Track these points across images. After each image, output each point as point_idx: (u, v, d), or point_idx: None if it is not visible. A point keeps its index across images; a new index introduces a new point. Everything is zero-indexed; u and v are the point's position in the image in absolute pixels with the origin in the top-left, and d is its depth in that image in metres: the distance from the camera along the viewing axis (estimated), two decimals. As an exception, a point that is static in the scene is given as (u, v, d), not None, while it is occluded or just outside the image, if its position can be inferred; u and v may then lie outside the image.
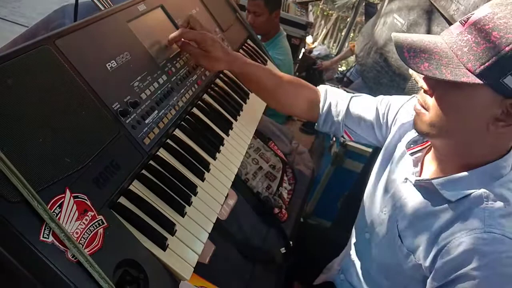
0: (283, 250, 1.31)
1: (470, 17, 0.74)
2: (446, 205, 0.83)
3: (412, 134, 0.99)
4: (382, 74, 2.57)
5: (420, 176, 0.93)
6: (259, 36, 2.67)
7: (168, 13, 1.11)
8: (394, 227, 0.94)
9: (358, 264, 1.12)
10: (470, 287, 0.73)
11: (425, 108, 0.82)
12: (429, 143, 0.94)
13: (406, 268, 0.89)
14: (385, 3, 2.77)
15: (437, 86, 0.78)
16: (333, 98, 1.19)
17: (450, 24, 2.14)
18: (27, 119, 0.63)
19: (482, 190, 0.79)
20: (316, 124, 1.24)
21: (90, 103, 0.75)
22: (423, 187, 0.89)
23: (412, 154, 0.95)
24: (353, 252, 1.16)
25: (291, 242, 1.46)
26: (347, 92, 1.24)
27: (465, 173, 0.81)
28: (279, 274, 1.26)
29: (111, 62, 0.84)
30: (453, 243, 0.77)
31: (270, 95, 1.17)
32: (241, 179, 1.40)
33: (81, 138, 0.70)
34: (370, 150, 2.01)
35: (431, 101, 0.80)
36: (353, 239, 1.19)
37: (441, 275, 0.78)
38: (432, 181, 0.85)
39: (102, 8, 1.05)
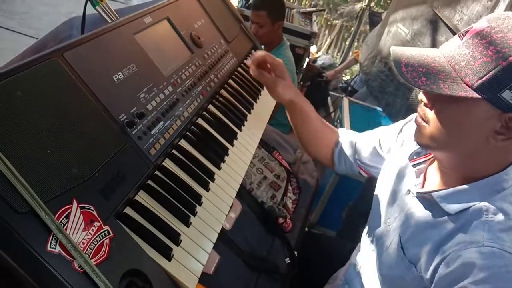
0: (287, 260, 1.31)
1: (468, 30, 0.74)
2: (446, 217, 0.82)
3: (415, 146, 0.99)
4: (387, 83, 2.58)
5: (422, 187, 0.93)
6: (262, 46, 2.70)
7: (174, 25, 1.13)
8: (397, 238, 0.94)
9: (362, 275, 1.12)
10: None
11: (425, 121, 0.82)
12: (432, 155, 0.94)
13: (409, 280, 0.89)
14: (390, 13, 2.79)
15: (436, 100, 0.78)
16: (344, 139, 1.26)
17: (454, 34, 2.15)
18: (35, 131, 0.64)
19: (482, 203, 0.78)
20: (333, 167, 1.32)
21: (97, 115, 0.76)
22: (425, 198, 0.89)
23: (414, 165, 0.95)
24: (358, 263, 1.15)
25: (295, 252, 1.46)
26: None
27: (465, 186, 0.81)
28: (283, 285, 1.26)
29: (118, 74, 0.85)
30: (452, 256, 0.76)
31: (309, 137, 1.29)
32: (245, 188, 1.41)
33: (88, 149, 0.71)
34: (374, 159, 2.01)
35: (430, 114, 0.80)
36: (359, 250, 1.19)
37: (441, 286, 0.78)
38: (433, 194, 0.85)
39: (109, 21, 1.06)
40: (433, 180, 0.92)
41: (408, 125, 1.09)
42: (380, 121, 2.65)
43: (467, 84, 0.71)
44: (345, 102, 2.71)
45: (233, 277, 1.11)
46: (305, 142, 1.31)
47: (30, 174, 0.60)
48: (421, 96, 0.82)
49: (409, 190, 0.94)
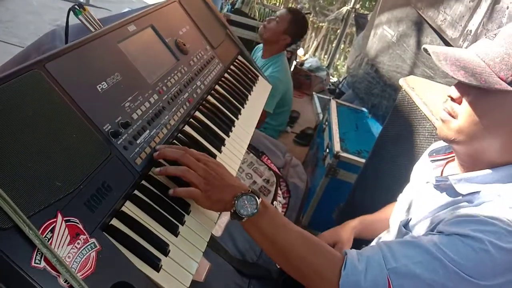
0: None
1: (497, 33, 0.81)
2: (459, 197, 0.87)
3: (436, 145, 1.06)
4: (373, 85, 2.60)
5: None
6: (260, 52, 2.72)
7: (159, 33, 1.12)
8: (404, 222, 0.98)
9: None
10: (458, 240, 0.74)
11: (452, 116, 0.86)
12: (452, 154, 0.99)
13: None
14: (376, 15, 2.81)
15: (468, 94, 0.82)
16: None
17: (438, 34, 2.18)
18: (17, 144, 0.63)
19: (495, 187, 0.82)
20: None
21: (81, 126, 0.75)
22: (441, 187, 0.93)
23: (433, 161, 1.02)
24: None
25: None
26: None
27: (481, 171, 0.85)
28: (276, 289, 1.26)
29: (102, 83, 0.84)
30: (456, 212, 0.81)
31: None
32: (235, 194, 1.41)
33: (72, 161, 0.70)
34: (363, 160, 2.02)
35: (460, 108, 0.84)
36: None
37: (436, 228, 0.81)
38: (449, 176, 0.90)
39: (93, 30, 1.05)
40: (451, 173, 0.96)
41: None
42: (367, 122, 2.67)
43: (501, 78, 0.76)
44: (333, 104, 2.72)
45: (225, 284, 1.11)
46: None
47: (12, 188, 0.59)
48: (450, 92, 0.86)
49: (427, 182, 0.99)
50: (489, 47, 0.80)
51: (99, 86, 0.84)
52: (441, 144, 1.05)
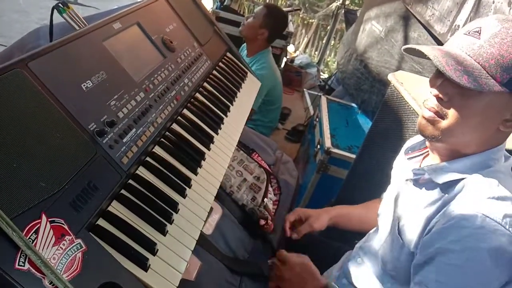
0: (270, 261, 1.30)
1: (479, 30, 0.81)
2: (438, 190, 0.90)
3: (410, 142, 1.08)
4: (362, 81, 2.60)
5: None
6: (245, 52, 2.71)
7: (145, 30, 1.11)
8: (395, 227, 0.99)
9: (362, 265, 1.15)
10: (444, 260, 0.79)
11: (439, 116, 0.86)
12: (427, 149, 1.01)
13: (403, 260, 0.94)
14: (365, 11, 2.82)
15: (458, 95, 0.82)
16: None
17: (427, 29, 2.19)
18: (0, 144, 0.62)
19: (469, 176, 0.86)
20: None
21: (65, 125, 0.74)
22: (421, 183, 0.96)
23: (409, 159, 1.04)
24: (360, 255, 1.18)
25: (278, 254, 1.46)
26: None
27: (456, 160, 0.89)
28: (267, 286, 1.26)
29: (87, 82, 0.83)
30: (439, 222, 0.84)
31: (365, 226, 1.31)
32: (225, 192, 1.40)
33: (57, 161, 0.69)
34: (353, 156, 2.03)
35: (449, 108, 0.84)
36: (364, 243, 1.22)
37: (422, 249, 0.85)
38: (424, 167, 0.93)
39: (77, 28, 1.04)
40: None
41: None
42: (357, 117, 2.67)
43: (496, 80, 0.78)
44: (323, 100, 2.72)
45: (216, 282, 1.10)
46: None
47: (-5, 190, 0.58)
48: (437, 92, 0.85)
49: (407, 179, 1.02)
50: (480, 47, 0.80)
51: (84, 85, 0.83)
52: (415, 140, 1.07)
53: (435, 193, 0.91)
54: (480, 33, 0.81)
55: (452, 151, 0.90)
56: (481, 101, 0.81)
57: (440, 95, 0.85)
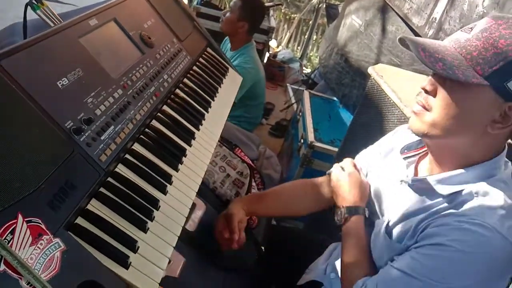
0: (255, 256, 1.31)
1: (473, 27, 0.81)
2: (440, 199, 0.88)
3: (406, 141, 1.05)
4: (343, 75, 2.62)
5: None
6: (228, 45, 2.69)
7: (122, 26, 1.10)
8: (383, 226, 0.98)
9: None
10: (439, 251, 0.79)
11: (426, 109, 0.85)
12: (424, 149, 0.98)
13: (387, 257, 0.93)
14: (346, 5, 2.83)
15: (442, 87, 0.82)
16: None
17: (405, 22, 2.21)
18: (-28, 145, 0.61)
19: (473, 187, 0.83)
20: None
21: (40, 123, 0.72)
22: (418, 186, 0.93)
23: (405, 158, 1.01)
24: None
25: (262, 248, 1.46)
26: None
27: (460, 170, 0.86)
28: (252, 281, 1.26)
29: (62, 79, 0.82)
30: (438, 221, 0.83)
31: (287, 208, 1.31)
32: (209, 188, 1.40)
33: (33, 160, 0.67)
34: (336, 149, 2.04)
35: (434, 101, 0.84)
36: None
37: (418, 240, 0.85)
38: (427, 177, 0.90)
39: (52, 25, 1.02)
40: (425, 171, 0.96)
41: (388, 138, 1.17)
42: (338, 111, 2.69)
43: (477, 72, 0.77)
44: (306, 95, 2.73)
45: (200, 278, 1.10)
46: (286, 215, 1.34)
47: (-33, 191, 0.57)
48: (424, 84, 0.86)
49: (401, 181, 0.98)
50: (466, 40, 0.80)
51: (60, 83, 0.81)
52: (412, 139, 1.04)
53: (434, 200, 0.89)
54: (472, 29, 0.81)
55: (447, 154, 0.89)
56: (465, 93, 0.80)
57: (427, 87, 0.85)
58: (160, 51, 1.20)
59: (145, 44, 1.14)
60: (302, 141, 2.36)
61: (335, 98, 2.82)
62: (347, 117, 2.60)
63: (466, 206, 0.82)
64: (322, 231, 1.69)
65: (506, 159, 0.90)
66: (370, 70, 1.66)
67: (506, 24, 0.78)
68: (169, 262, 0.81)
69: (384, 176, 1.08)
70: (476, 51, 0.78)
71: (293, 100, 3.54)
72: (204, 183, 1.36)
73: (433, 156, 0.93)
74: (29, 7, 1.02)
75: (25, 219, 0.62)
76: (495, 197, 0.81)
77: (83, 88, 0.86)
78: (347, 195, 1.09)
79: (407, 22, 2.07)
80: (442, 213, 0.85)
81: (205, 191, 1.35)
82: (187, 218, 1.01)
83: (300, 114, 2.62)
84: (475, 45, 0.78)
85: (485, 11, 1.64)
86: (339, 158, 1.86)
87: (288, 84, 3.97)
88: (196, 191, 0.99)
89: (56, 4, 1.36)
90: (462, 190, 0.85)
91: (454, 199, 0.85)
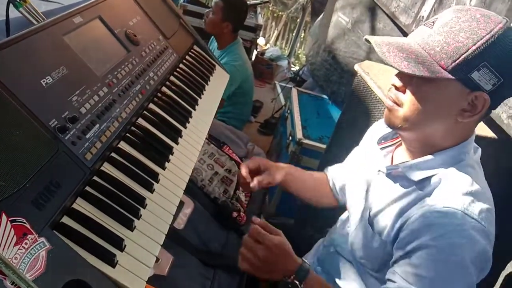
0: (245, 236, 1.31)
1: (434, 21, 0.83)
2: (413, 186, 0.91)
3: (383, 132, 1.08)
4: (331, 72, 2.63)
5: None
6: (215, 44, 2.68)
7: (107, 24, 1.09)
8: (366, 216, 1.01)
9: (337, 255, 1.16)
10: (426, 255, 0.80)
11: (397, 104, 0.89)
12: (399, 139, 1.02)
13: (374, 248, 0.96)
14: (332, 2, 2.83)
15: (410, 83, 0.86)
16: (333, 174, 1.34)
17: (392, 20, 2.23)
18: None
19: (443, 172, 0.87)
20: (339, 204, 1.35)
21: (24, 122, 0.72)
22: (393, 175, 0.97)
23: (382, 149, 1.04)
24: (334, 243, 1.19)
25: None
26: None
27: (429, 157, 0.90)
28: (242, 278, 1.26)
29: (47, 78, 0.81)
30: (414, 216, 0.85)
31: (308, 194, 1.34)
32: (197, 186, 1.39)
33: (16, 159, 0.67)
34: (324, 146, 2.05)
35: (404, 97, 0.87)
36: (334, 230, 1.23)
37: (402, 245, 0.86)
38: (399, 165, 0.94)
39: (35, 23, 1.01)
40: (400, 159, 0.99)
41: (367, 134, 1.20)
42: (328, 108, 2.71)
43: (442, 67, 0.80)
44: (294, 92, 2.74)
45: (189, 276, 1.10)
46: (309, 200, 1.35)
47: (-51, 191, 0.56)
48: (393, 81, 0.89)
49: (379, 171, 1.02)
50: (429, 35, 0.83)
51: (44, 81, 0.80)
52: (388, 130, 1.07)
53: (409, 187, 0.92)
54: (434, 23, 0.83)
55: (421, 143, 0.91)
56: (432, 88, 0.83)
57: (396, 84, 0.88)
58: (145, 48, 1.19)
59: (130, 42, 1.13)
60: (290, 138, 2.37)
61: (324, 95, 2.84)
62: (335, 114, 2.62)
63: (436, 193, 0.85)
64: (312, 227, 1.71)
65: (476, 145, 0.94)
66: (357, 67, 1.67)
67: (465, 16, 0.80)
68: (157, 260, 0.81)
69: (366, 168, 1.11)
70: (438, 46, 0.80)
71: (281, 98, 3.55)
72: (192, 181, 1.36)
73: (406, 145, 0.97)
74: (11, 5, 1.01)
75: (9, 219, 0.61)
76: (463, 181, 0.85)
77: (67, 86, 0.85)
78: (286, 265, 0.99)
79: (394, 20, 2.08)
80: (415, 206, 0.88)
81: (193, 189, 1.35)
82: (175, 216, 1.01)
83: (289, 111, 2.63)
84: (437, 40, 0.81)
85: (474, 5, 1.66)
86: (327, 154, 1.87)
87: (276, 82, 3.98)
88: (184, 189, 0.98)
89: (40, 2, 1.34)
90: (432, 176, 0.88)
91: (425, 185, 0.89)
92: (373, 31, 2.32)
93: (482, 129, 1.36)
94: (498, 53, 0.77)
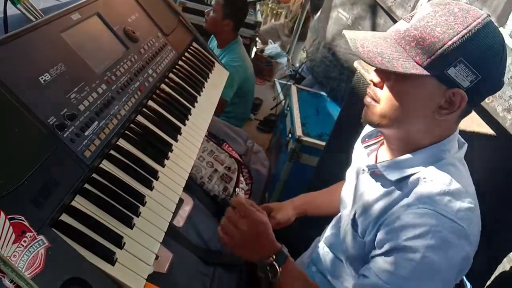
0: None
1: (413, 15, 0.81)
2: (392, 187, 0.89)
3: (367, 130, 1.07)
4: (331, 68, 2.62)
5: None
6: (215, 43, 2.67)
7: (105, 21, 1.08)
8: (352, 216, 0.99)
9: (330, 255, 1.15)
10: (401, 256, 0.79)
11: (375, 100, 0.87)
12: (382, 137, 1.00)
13: (356, 249, 0.95)
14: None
15: (387, 79, 0.84)
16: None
17: (388, 15, 2.22)
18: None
19: (422, 171, 0.85)
20: None
21: (22, 120, 0.71)
22: (375, 174, 0.95)
23: (366, 147, 1.02)
24: (326, 244, 1.19)
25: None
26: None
27: (407, 155, 0.87)
28: (241, 276, 1.26)
29: (45, 75, 0.81)
30: (391, 217, 0.83)
31: (331, 211, 1.30)
32: (196, 183, 1.39)
33: (14, 156, 0.67)
34: (323, 143, 2.05)
35: (381, 93, 0.85)
36: (329, 229, 1.22)
37: (379, 245, 0.85)
38: (378, 164, 0.92)
39: (33, 19, 1.00)
40: (383, 158, 0.98)
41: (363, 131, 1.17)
42: (326, 105, 2.70)
43: (417, 63, 0.77)
44: (293, 89, 2.73)
45: (189, 274, 1.10)
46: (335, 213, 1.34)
47: None
48: (371, 77, 0.87)
49: (363, 170, 1.00)
50: (405, 30, 0.80)
51: (42, 78, 0.80)
52: (372, 127, 1.06)
53: (388, 187, 0.90)
54: (412, 17, 0.81)
55: (401, 140, 0.89)
56: (408, 84, 0.81)
57: (373, 80, 0.86)
58: (144, 45, 1.19)
59: (129, 39, 1.13)
60: (290, 135, 2.36)
61: (322, 93, 2.83)
62: (335, 111, 2.61)
63: (414, 193, 0.83)
64: (311, 226, 1.70)
65: (462, 140, 0.92)
66: (356, 64, 1.67)
67: (443, 11, 0.78)
68: (157, 258, 0.81)
69: (354, 166, 1.10)
70: (414, 41, 0.78)
71: (281, 96, 3.54)
72: (191, 178, 1.36)
73: (387, 143, 0.96)
74: (9, 2, 1.00)
75: (8, 217, 0.61)
76: (441, 181, 0.82)
77: (66, 83, 0.85)
78: (266, 246, 0.97)
79: (391, 14, 2.07)
80: (395, 207, 0.85)
81: (193, 186, 1.35)
82: (175, 214, 1.00)
83: (288, 109, 2.63)
84: (413, 35, 0.78)
85: (468, 2, 1.66)
86: (326, 151, 1.87)
87: (275, 79, 3.97)
88: (183, 186, 0.98)
89: (38, -1, 1.33)
90: (410, 175, 0.86)
91: (404, 185, 0.87)
92: (373, 27, 2.31)
93: (479, 125, 1.35)
94: (475, 49, 0.75)
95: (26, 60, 0.79)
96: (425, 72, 0.77)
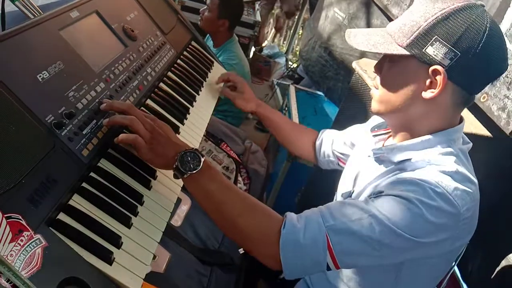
0: (241, 250, 1.31)
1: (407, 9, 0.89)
2: (394, 166, 0.93)
3: (377, 121, 1.11)
4: (327, 68, 2.62)
5: None
6: (211, 42, 2.66)
7: (104, 19, 1.08)
8: (348, 195, 1.03)
9: None
10: (392, 198, 0.81)
11: (376, 88, 0.95)
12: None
13: None
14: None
15: (382, 66, 0.93)
16: (326, 135, 1.36)
17: (384, 14, 2.22)
18: None
19: (427, 155, 0.88)
20: (316, 162, 1.40)
21: (20, 118, 0.71)
22: (379, 158, 0.98)
23: (375, 136, 1.06)
24: None
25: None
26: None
27: (413, 140, 0.91)
28: (239, 275, 1.26)
29: (43, 72, 0.80)
30: (384, 183, 0.89)
31: (285, 138, 1.40)
32: (194, 183, 1.39)
33: (11, 155, 0.66)
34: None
35: (379, 80, 0.94)
36: None
37: (374, 190, 0.90)
38: (383, 147, 0.97)
39: (31, 17, 1.00)
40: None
41: (371, 121, 1.21)
42: (323, 105, 2.70)
43: (399, 45, 0.86)
44: (292, 89, 2.73)
45: (186, 274, 1.10)
46: (283, 143, 1.42)
47: None
48: (374, 68, 0.95)
49: (369, 156, 1.03)
50: (394, 21, 0.91)
51: (40, 76, 0.80)
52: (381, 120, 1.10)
53: (391, 167, 0.94)
54: (405, 11, 0.90)
55: (405, 128, 0.93)
56: (396, 67, 0.89)
57: (374, 70, 0.95)
58: (143, 44, 1.18)
59: (128, 37, 1.12)
60: (288, 135, 2.35)
61: (320, 92, 2.83)
62: (332, 111, 2.62)
63: (417, 171, 0.85)
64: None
65: (467, 139, 0.95)
66: (354, 64, 1.67)
67: (427, 2, 0.85)
68: (154, 257, 0.80)
69: (358, 155, 1.13)
70: (397, 28, 0.87)
71: (279, 96, 3.54)
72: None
73: (392, 132, 1.00)
74: (7, -1, 1.00)
75: (5, 215, 0.61)
76: (444, 164, 0.85)
77: (64, 81, 0.84)
78: (179, 141, 0.92)
79: (387, 13, 2.07)
80: (394, 176, 0.89)
81: (191, 186, 1.34)
82: (173, 213, 1.00)
83: (286, 108, 2.62)
84: (398, 23, 0.88)
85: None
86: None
87: (274, 79, 3.96)
88: (181, 186, 0.98)
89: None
90: (412, 158, 0.89)
91: (407, 166, 0.90)
92: (370, 27, 2.31)
93: (476, 127, 1.35)
94: (450, 28, 0.80)
95: (24, 58, 0.79)
96: (406, 52, 0.84)
